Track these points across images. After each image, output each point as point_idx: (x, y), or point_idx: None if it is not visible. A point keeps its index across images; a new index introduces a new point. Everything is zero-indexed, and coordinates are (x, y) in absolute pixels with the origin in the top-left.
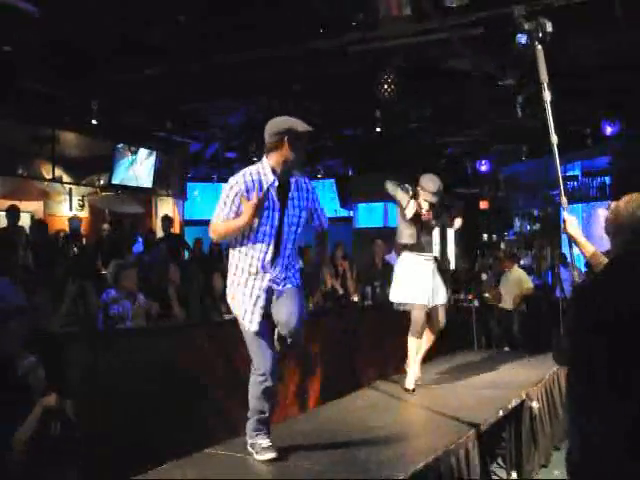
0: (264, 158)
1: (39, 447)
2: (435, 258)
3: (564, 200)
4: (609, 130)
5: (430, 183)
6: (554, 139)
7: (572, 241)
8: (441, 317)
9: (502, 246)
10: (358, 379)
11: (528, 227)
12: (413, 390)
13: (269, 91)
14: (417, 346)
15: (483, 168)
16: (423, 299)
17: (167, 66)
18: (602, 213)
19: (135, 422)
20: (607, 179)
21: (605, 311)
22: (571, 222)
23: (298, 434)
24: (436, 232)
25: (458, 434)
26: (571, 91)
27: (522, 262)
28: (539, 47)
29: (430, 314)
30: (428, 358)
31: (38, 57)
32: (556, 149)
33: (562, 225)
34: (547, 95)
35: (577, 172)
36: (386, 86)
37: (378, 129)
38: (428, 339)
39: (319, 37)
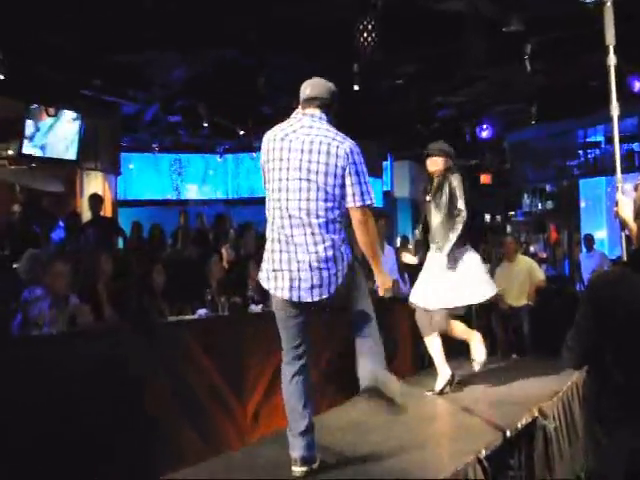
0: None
1: None
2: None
3: (619, 177)
4: (638, 86)
5: None
6: (615, 110)
7: (625, 227)
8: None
9: (508, 229)
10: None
11: (540, 205)
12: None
13: (220, 41)
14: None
15: (484, 134)
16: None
17: (95, 8)
18: (630, 188)
19: (52, 445)
20: (636, 146)
21: (618, 307)
22: (626, 205)
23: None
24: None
25: (456, 461)
26: (593, 39)
27: (532, 249)
28: (608, 4)
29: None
30: (420, 368)
31: None
32: (616, 122)
33: (614, 208)
34: (612, 59)
35: (600, 138)
36: (365, 34)
37: (356, 87)
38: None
39: None
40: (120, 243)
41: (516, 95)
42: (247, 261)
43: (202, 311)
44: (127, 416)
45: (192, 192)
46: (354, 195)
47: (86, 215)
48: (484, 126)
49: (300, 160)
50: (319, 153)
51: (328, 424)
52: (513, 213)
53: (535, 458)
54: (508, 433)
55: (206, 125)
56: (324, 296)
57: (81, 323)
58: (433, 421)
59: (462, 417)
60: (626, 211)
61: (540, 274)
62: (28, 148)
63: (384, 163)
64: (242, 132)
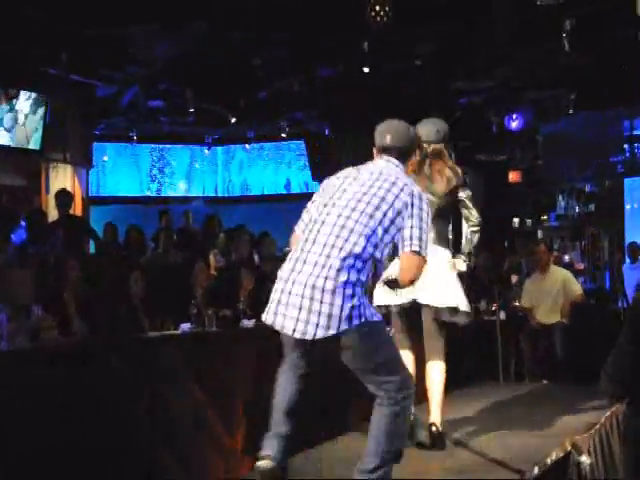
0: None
1: None
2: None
3: None
4: None
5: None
6: None
7: None
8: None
9: (540, 235)
10: (332, 422)
11: (577, 208)
12: None
13: (210, 13)
14: None
15: (514, 125)
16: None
17: None
18: None
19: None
20: None
21: None
22: None
23: None
24: None
25: None
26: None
27: (567, 258)
28: None
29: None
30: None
31: None
32: None
33: None
34: None
35: None
36: (378, 7)
37: (366, 69)
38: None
39: None
40: (92, 246)
41: (551, 80)
42: (238, 269)
43: (186, 325)
44: (97, 444)
45: (175, 188)
46: (412, 238)
47: (52, 214)
48: (514, 116)
49: (355, 192)
50: (380, 187)
51: (329, 455)
52: (546, 217)
53: None
54: (536, 470)
55: (192, 111)
56: (307, 337)
57: (45, 338)
58: (447, 455)
59: (483, 450)
60: None
61: (577, 287)
62: None
63: None
64: (234, 120)
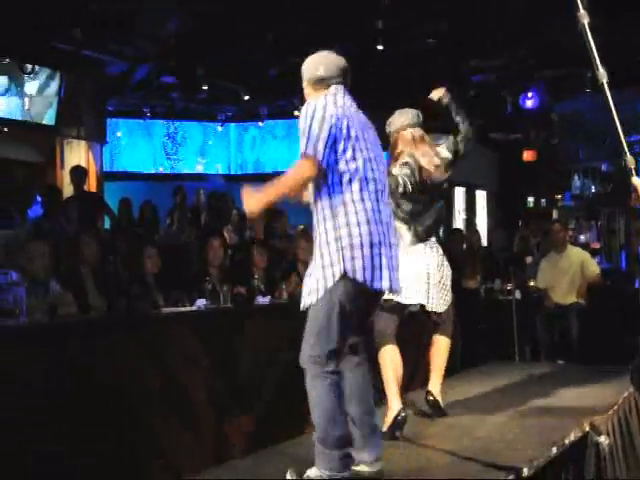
0: None
1: None
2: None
3: (630, 160)
4: None
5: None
6: (603, 76)
7: None
8: None
9: (555, 215)
10: None
11: (593, 188)
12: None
13: None
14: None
15: (529, 104)
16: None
17: None
18: None
19: (24, 454)
20: None
21: None
22: None
23: None
24: None
25: None
26: None
27: (582, 238)
28: None
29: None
30: (450, 372)
31: None
32: (607, 89)
33: (633, 195)
34: (584, 15)
35: None
36: None
37: (379, 47)
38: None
39: None
40: (107, 222)
41: (567, 57)
42: (251, 246)
43: (201, 302)
44: (114, 423)
45: (189, 165)
46: None
47: (67, 190)
48: (529, 94)
49: (374, 136)
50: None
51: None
52: (560, 197)
53: (586, 479)
54: (555, 450)
55: (205, 88)
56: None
57: (63, 313)
58: (467, 435)
59: (501, 431)
60: None
61: (595, 268)
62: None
63: None
64: (247, 97)
